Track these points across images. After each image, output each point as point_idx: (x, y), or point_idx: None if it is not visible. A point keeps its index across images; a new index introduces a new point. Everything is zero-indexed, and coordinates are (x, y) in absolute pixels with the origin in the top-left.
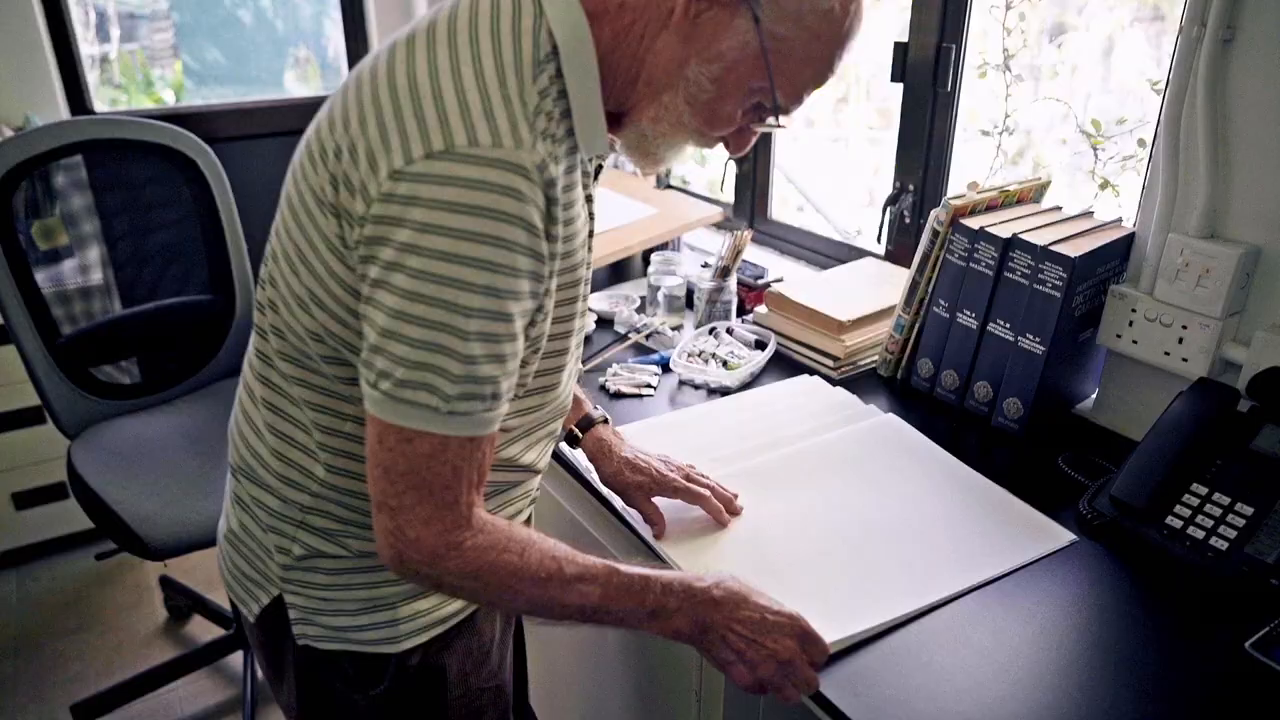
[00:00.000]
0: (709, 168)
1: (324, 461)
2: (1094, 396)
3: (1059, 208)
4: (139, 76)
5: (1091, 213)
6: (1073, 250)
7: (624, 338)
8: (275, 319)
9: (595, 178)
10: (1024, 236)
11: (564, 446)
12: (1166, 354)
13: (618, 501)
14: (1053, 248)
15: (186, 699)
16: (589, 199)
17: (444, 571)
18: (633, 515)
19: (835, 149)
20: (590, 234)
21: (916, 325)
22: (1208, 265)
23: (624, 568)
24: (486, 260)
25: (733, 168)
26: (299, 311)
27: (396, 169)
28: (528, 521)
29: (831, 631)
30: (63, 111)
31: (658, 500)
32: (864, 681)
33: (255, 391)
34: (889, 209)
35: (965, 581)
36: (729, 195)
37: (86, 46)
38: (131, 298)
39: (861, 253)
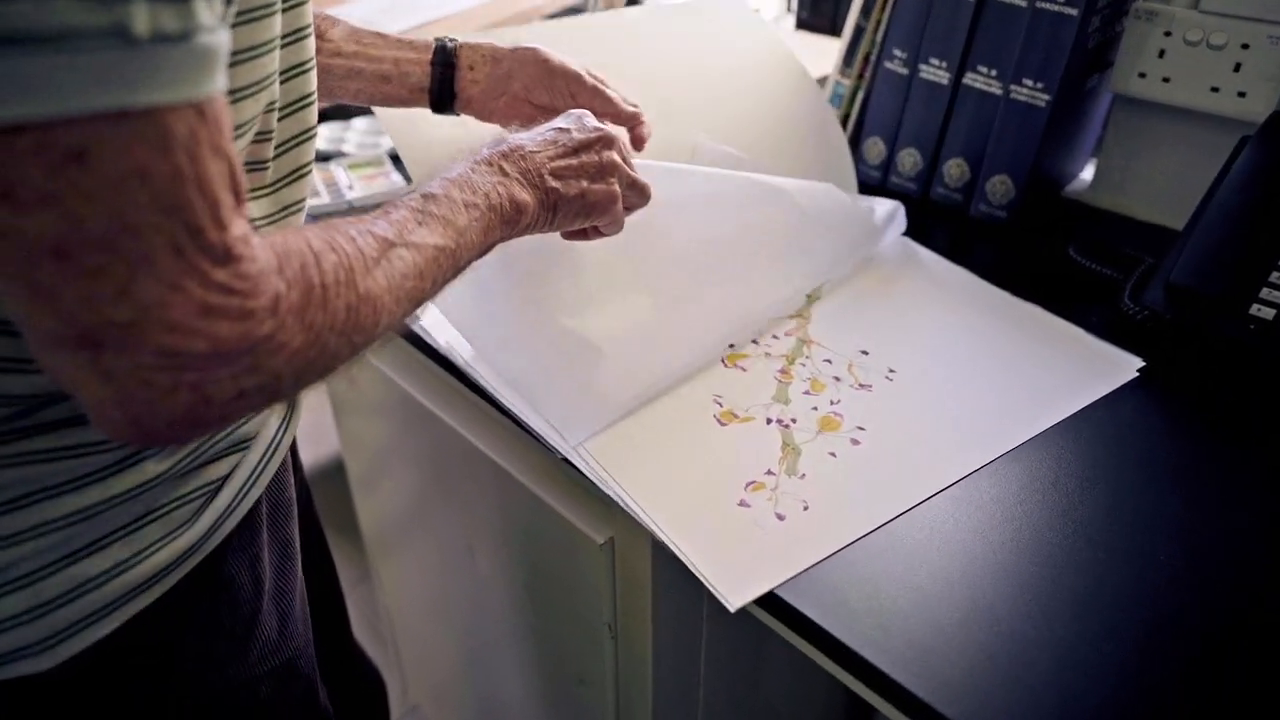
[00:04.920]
0: None
1: None
2: (1089, 173)
3: None
4: None
5: None
6: None
7: None
8: None
9: None
10: None
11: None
12: (1214, 90)
13: (460, 357)
14: None
15: None
16: None
17: (261, 355)
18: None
19: None
20: None
21: (861, 93)
22: None
23: (425, 187)
24: None
25: None
26: None
27: None
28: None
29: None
30: None
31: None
32: (858, 588)
33: None
34: None
35: (999, 447)
36: None
37: None
38: None
39: None
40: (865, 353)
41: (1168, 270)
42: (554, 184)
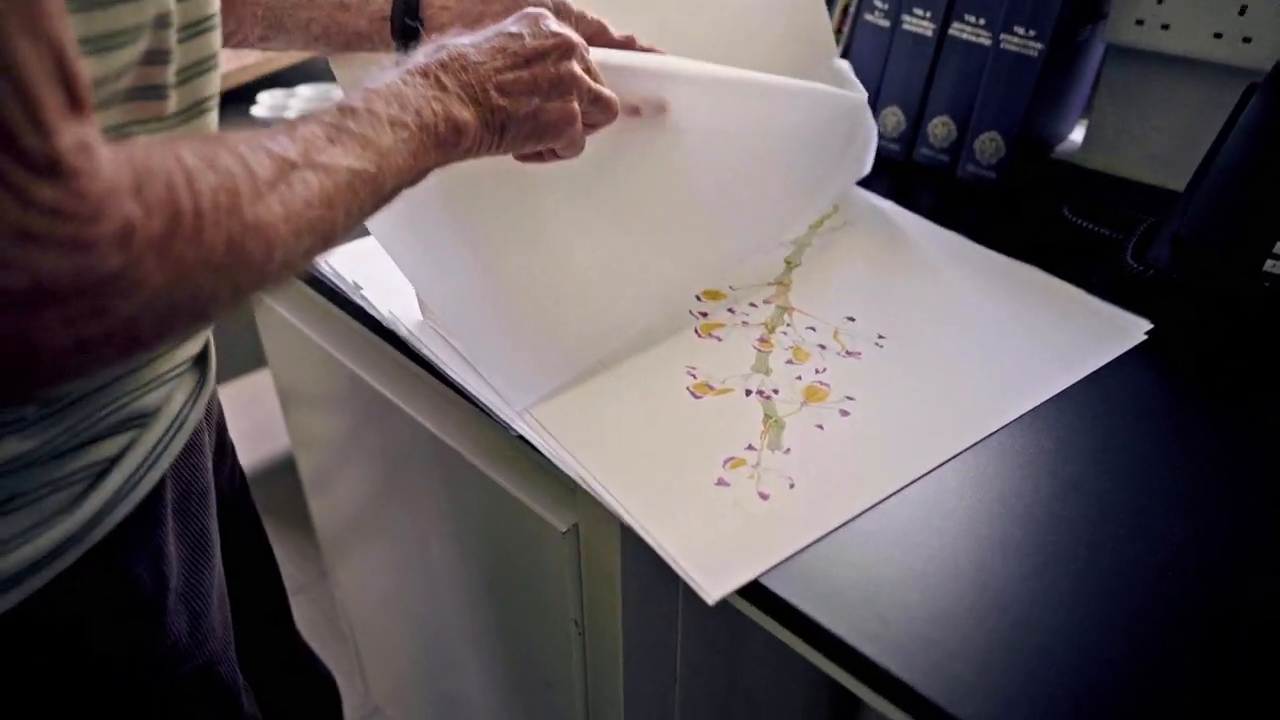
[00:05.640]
0: None
1: None
2: (1078, 135)
3: None
4: None
5: None
6: None
7: None
8: None
9: None
10: None
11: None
12: (1217, 36)
13: (404, 328)
14: None
15: None
16: None
17: (107, 296)
18: (432, 350)
19: None
20: None
21: (840, 48)
22: None
23: (344, 100)
24: None
25: None
26: None
27: None
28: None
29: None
30: None
31: None
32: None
33: None
34: None
35: (1002, 416)
36: None
37: None
38: None
39: None
40: (852, 319)
41: (1174, 227)
42: (501, 101)
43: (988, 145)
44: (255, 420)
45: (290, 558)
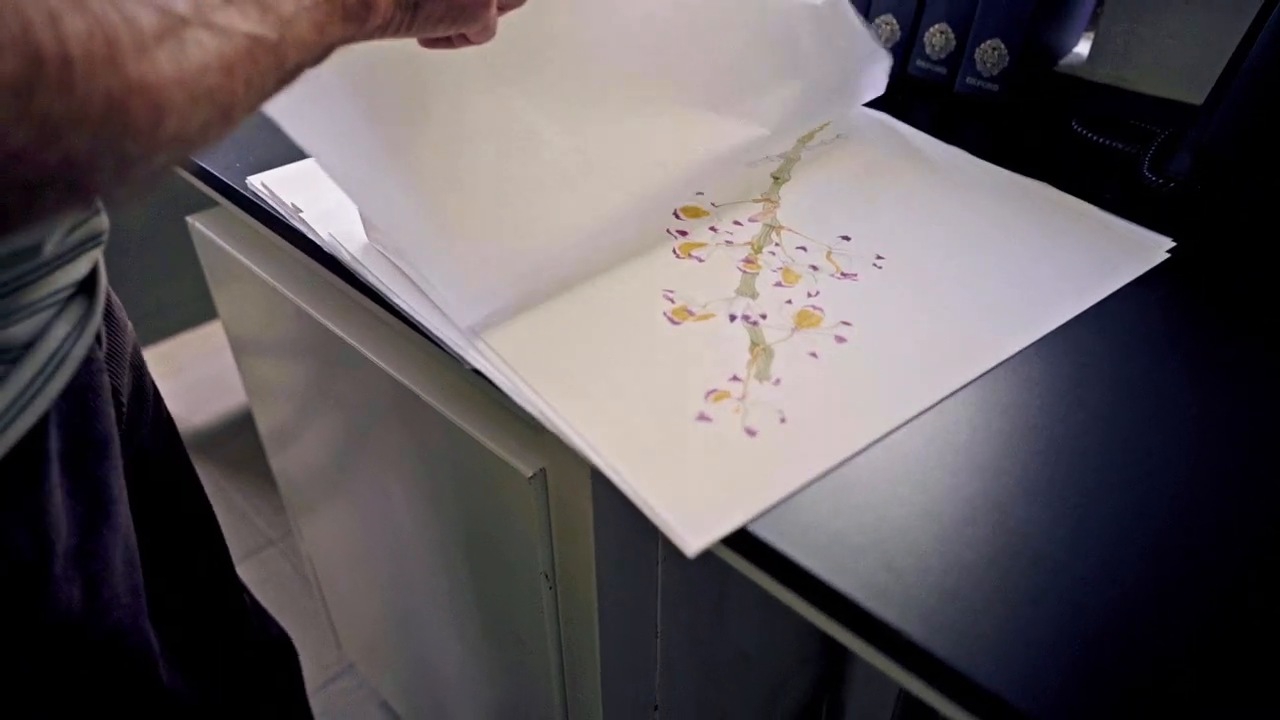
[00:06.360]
0: None
1: None
2: (1083, 48)
3: None
4: None
5: None
6: None
7: None
8: None
9: None
10: None
11: None
12: None
13: (346, 253)
14: None
15: None
16: None
17: None
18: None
19: None
20: None
21: None
22: None
23: None
24: None
25: None
26: None
27: None
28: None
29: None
30: None
31: None
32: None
33: None
34: None
35: (1016, 340)
36: None
37: None
38: None
39: None
40: (846, 239)
41: (1196, 137)
42: None
43: (990, 54)
44: (216, 372)
45: (260, 512)
